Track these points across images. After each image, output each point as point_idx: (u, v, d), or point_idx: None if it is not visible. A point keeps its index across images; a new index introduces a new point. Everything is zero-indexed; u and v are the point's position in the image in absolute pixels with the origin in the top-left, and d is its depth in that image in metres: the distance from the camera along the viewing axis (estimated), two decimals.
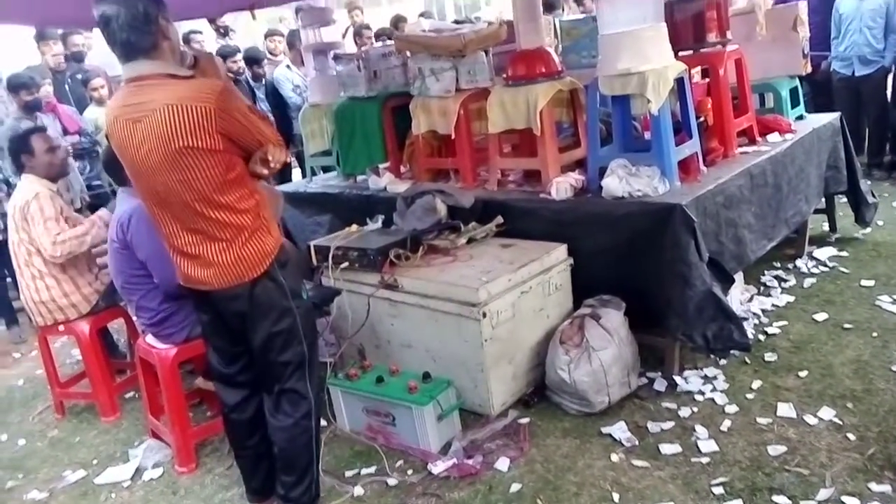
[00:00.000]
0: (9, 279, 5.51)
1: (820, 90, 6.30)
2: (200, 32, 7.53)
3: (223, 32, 7.98)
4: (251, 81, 7.08)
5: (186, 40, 7.31)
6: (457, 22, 6.78)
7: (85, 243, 3.82)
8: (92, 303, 3.91)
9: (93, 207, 5.40)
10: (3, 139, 5.20)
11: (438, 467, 2.90)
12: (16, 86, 5.51)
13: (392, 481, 2.90)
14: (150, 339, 3.35)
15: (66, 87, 6.54)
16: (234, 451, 2.83)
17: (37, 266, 3.79)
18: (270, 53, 7.60)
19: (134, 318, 3.81)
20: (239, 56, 7.02)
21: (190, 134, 2.19)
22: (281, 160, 2.42)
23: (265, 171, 2.41)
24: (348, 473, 3.01)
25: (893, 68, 6.00)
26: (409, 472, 2.96)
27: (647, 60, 3.35)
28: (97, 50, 6.87)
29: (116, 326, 4.54)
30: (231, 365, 2.65)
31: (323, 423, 3.30)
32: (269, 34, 7.92)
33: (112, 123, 2.33)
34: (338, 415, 3.35)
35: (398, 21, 8.00)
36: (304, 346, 2.53)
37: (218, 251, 2.37)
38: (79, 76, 6.56)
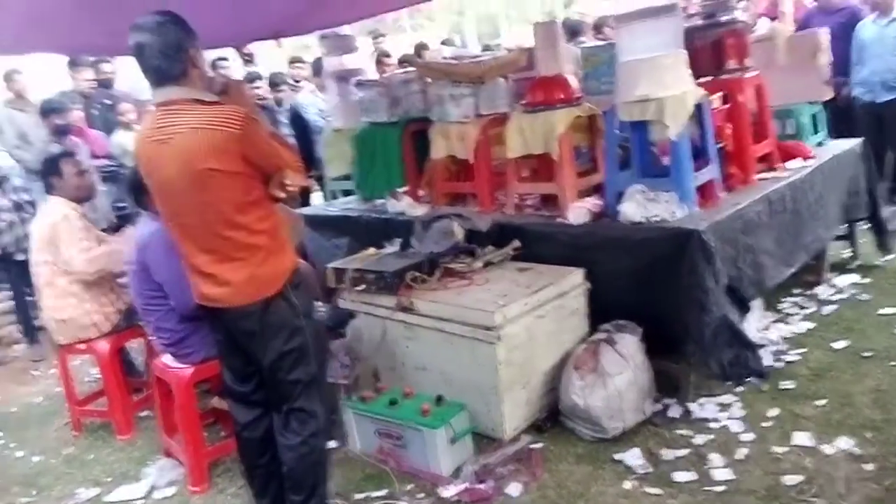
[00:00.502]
0: (31, 298, 5.60)
1: (841, 116, 6.23)
2: (227, 59, 7.67)
3: (248, 59, 8.13)
4: (274, 107, 7.18)
5: (213, 66, 7.45)
6: (487, 49, 6.85)
7: (115, 261, 3.83)
8: (113, 322, 3.96)
9: (118, 229, 5.49)
10: (35, 162, 5.34)
11: (449, 491, 2.89)
12: (48, 110, 5.66)
13: None
14: (167, 358, 3.38)
15: (96, 111, 6.69)
16: (245, 469, 2.84)
17: (59, 285, 3.85)
18: (294, 80, 7.72)
19: (152, 338, 3.84)
20: (261, 82, 7.13)
21: (213, 157, 2.29)
22: (298, 184, 2.52)
23: (283, 195, 2.49)
24: (358, 496, 3.00)
25: None
26: (420, 495, 2.94)
27: (666, 87, 3.36)
28: (123, 76, 7.03)
29: (135, 345, 4.59)
30: (245, 384, 2.68)
31: (334, 444, 3.33)
32: (294, 61, 8.05)
33: (140, 145, 2.45)
34: (350, 436, 3.34)
35: (420, 48, 8.10)
36: (313, 366, 2.58)
37: (233, 270, 2.43)
38: (107, 101, 6.71)
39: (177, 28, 2.37)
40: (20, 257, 5.38)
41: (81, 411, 4.17)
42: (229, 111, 2.34)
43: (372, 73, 6.55)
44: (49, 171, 4.04)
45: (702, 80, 3.84)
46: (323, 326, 2.80)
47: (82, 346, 4.00)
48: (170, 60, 2.33)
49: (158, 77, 2.36)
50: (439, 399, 3.15)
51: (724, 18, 3.94)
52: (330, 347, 3.54)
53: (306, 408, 2.58)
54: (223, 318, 2.54)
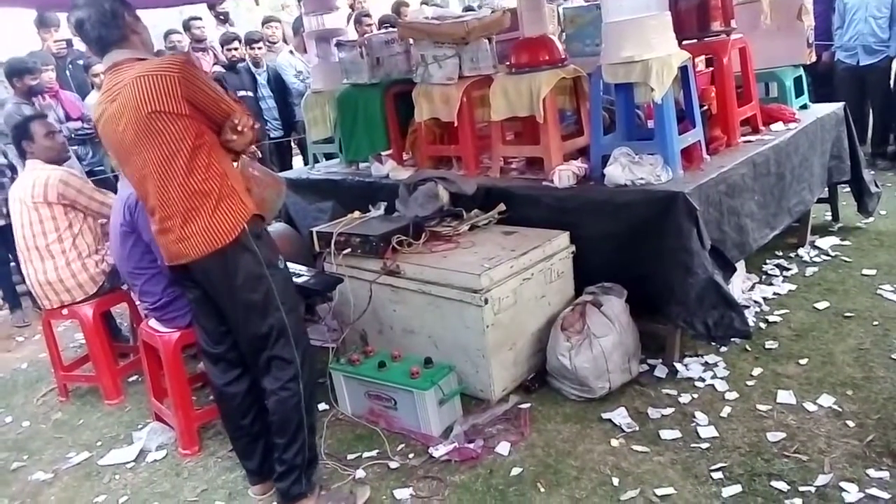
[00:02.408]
0: (13, 263, 5.54)
1: (821, 80, 6.29)
2: (200, 18, 7.51)
3: (223, 19, 7.96)
4: (252, 68, 7.07)
5: (187, 27, 7.31)
6: (468, 9, 6.77)
7: None
8: (98, 283, 3.93)
9: None
10: (6, 124, 5.23)
11: (439, 451, 2.92)
12: (19, 70, 5.52)
13: (393, 464, 2.92)
14: (153, 323, 3.36)
15: (67, 72, 6.55)
16: (228, 433, 2.88)
17: (45, 247, 3.83)
18: (268, 41, 7.59)
19: (137, 303, 3.83)
20: (237, 44, 7.00)
21: (157, 99, 2.36)
22: (248, 124, 2.56)
23: (235, 138, 2.54)
24: (350, 457, 3.03)
25: None
26: (411, 455, 2.97)
27: (651, 48, 3.35)
28: None
29: (119, 311, 4.56)
30: (219, 344, 2.72)
31: (325, 406, 3.35)
32: (267, 21, 7.89)
33: (97, 110, 2.54)
34: (340, 399, 3.36)
35: (399, 6, 7.98)
36: (282, 313, 2.58)
37: (189, 221, 2.47)
38: (80, 62, 6.56)
39: None
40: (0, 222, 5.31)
41: (68, 377, 4.15)
42: (167, 58, 2.55)
43: (352, 34, 6.46)
44: (20, 136, 4.01)
45: (686, 42, 3.84)
46: (289, 275, 2.80)
47: (65, 312, 3.97)
48: (108, 27, 2.45)
49: (102, 45, 2.47)
50: (428, 361, 3.17)
51: None
52: (301, 297, 3.55)
53: (282, 355, 2.61)
54: (191, 273, 2.58)
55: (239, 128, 2.52)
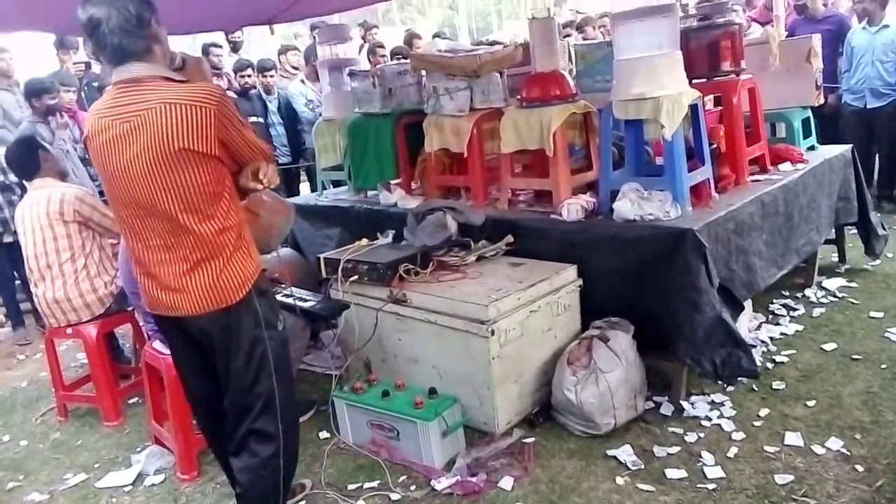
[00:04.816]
0: (17, 282, 5.54)
1: (828, 123, 6.32)
2: (220, 46, 7.60)
3: (235, 48, 8.07)
4: (263, 95, 7.14)
5: (206, 52, 7.40)
6: (479, 44, 6.86)
7: None
8: (105, 305, 3.93)
9: None
10: None
11: (442, 484, 2.89)
12: (38, 90, 5.57)
13: (395, 496, 2.88)
14: (157, 344, 3.35)
15: (83, 93, 6.61)
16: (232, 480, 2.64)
17: (58, 265, 3.84)
18: (293, 66, 7.70)
19: (141, 324, 3.81)
20: (251, 71, 7.08)
21: (189, 135, 2.09)
22: (273, 179, 2.32)
23: (258, 186, 2.30)
24: (351, 487, 2.99)
25: None
26: (412, 487, 2.93)
27: (662, 86, 3.38)
28: None
29: (122, 332, 4.55)
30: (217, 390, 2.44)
31: (327, 435, 3.33)
32: (287, 49, 8.00)
33: (95, 124, 2.19)
34: (342, 428, 3.33)
35: (412, 37, 8.09)
36: (273, 381, 2.34)
37: (192, 272, 2.22)
38: (95, 84, 6.63)
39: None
40: (7, 239, 5.33)
41: (68, 396, 4.13)
42: (203, 87, 2.16)
43: (364, 65, 6.53)
44: (37, 146, 4.08)
45: (696, 81, 3.86)
46: (286, 339, 2.50)
47: (69, 331, 3.96)
48: (131, 37, 2.11)
49: (119, 56, 2.13)
50: (432, 391, 3.15)
51: (720, 20, 3.96)
52: (300, 357, 3.57)
53: (265, 429, 2.36)
54: (184, 326, 2.32)
55: (263, 179, 2.27)
